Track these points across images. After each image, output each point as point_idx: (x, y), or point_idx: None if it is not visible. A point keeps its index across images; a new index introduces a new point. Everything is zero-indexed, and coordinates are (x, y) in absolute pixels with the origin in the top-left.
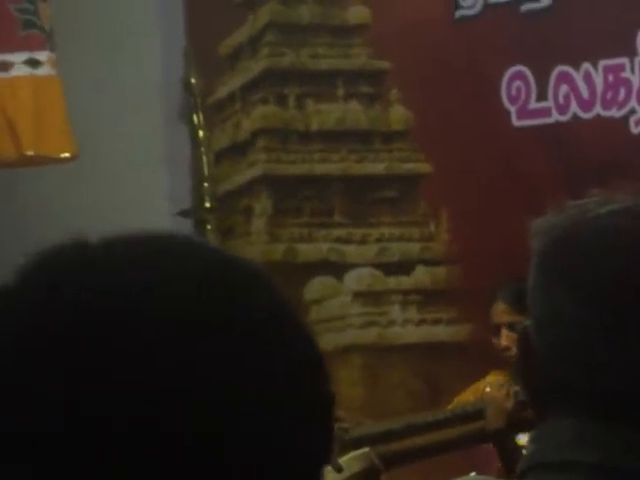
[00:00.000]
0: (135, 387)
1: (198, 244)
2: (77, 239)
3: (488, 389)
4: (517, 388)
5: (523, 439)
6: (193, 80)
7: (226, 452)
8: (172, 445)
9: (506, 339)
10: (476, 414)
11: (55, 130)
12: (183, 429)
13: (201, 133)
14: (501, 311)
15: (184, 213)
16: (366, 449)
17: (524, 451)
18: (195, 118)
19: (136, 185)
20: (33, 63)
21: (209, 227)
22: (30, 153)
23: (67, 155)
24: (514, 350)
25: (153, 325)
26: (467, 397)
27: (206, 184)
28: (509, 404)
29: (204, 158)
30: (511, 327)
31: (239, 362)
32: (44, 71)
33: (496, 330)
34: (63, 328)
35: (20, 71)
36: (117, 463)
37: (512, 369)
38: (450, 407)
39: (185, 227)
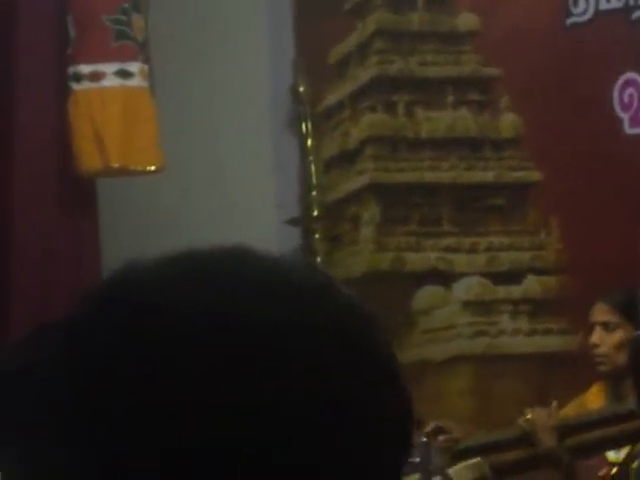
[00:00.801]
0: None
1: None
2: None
3: (529, 415)
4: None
5: (612, 455)
6: (302, 88)
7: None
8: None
9: (596, 337)
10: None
11: (142, 142)
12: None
13: (310, 141)
14: (599, 310)
15: (292, 221)
16: (478, 459)
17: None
18: (304, 126)
19: (245, 193)
20: (124, 74)
21: (317, 235)
22: (116, 165)
23: (152, 168)
24: (602, 349)
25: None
26: (570, 411)
27: (314, 192)
28: (552, 421)
29: (312, 166)
30: (605, 326)
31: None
32: (135, 82)
33: (592, 329)
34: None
35: (111, 82)
36: None
37: (602, 378)
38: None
39: (293, 235)
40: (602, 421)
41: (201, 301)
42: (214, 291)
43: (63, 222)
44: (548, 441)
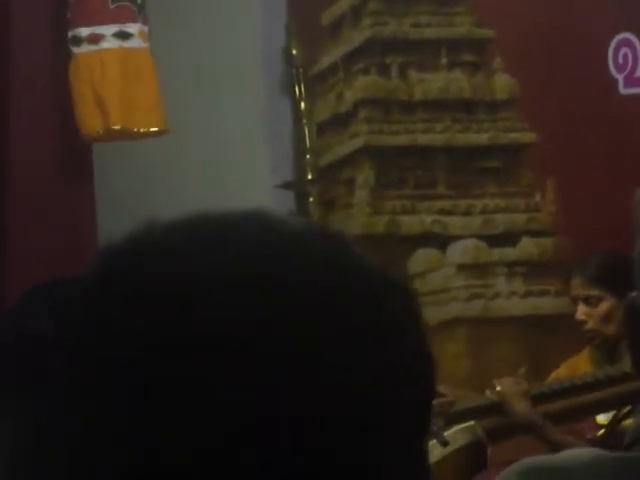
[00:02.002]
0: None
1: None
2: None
3: (498, 387)
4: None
5: (601, 418)
6: (294, 51)
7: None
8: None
9: (581, 313)
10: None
11: (144, 104)
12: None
13: (303, 105)
14: (577, 285)
15: (286, 185)
16: (472, 422)
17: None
18: (297, 90)
19: (237, 158)
20: (123, 36)
21: (311, 199)
22: (117, 127)
23: (155, 129)
24: (589, 324)
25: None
26: (563, 373)
27: (308, 156)
28: (522, 387)
29: (306, 130)
30: (587, 301)
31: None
32: (134, 44)
33: (573, 302)
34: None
35: (109, 43)
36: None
37: (591, 345)
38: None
39: (287, 199)
40: (596, 384)
41: (221, 264)
42: (232, 253)
43: (60, 188)
44: (519, 408)
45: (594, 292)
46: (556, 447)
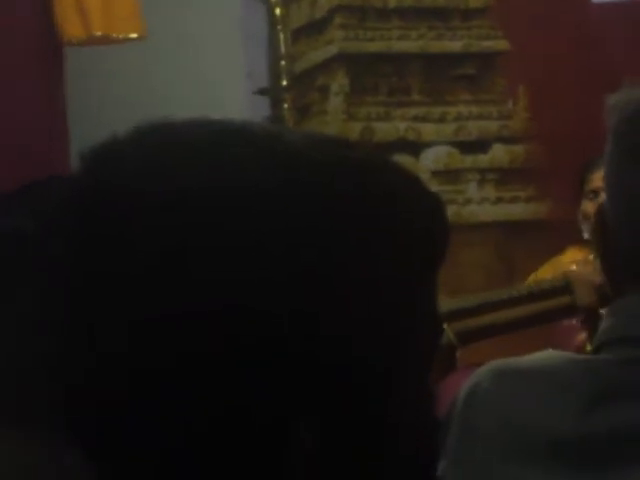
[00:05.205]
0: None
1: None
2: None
3: (574, 266)
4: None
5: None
6: None
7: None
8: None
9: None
10: (559, 290)
11: (123, 10)
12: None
13: (278, 11)
14: (599, 177)
15: (261, 91)
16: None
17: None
18: None
19: (213, 64)
20: None
21: (286, 106)
22: (98, 34)
23: (135, 35)
24: None
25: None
26: (546, 273)
27: (283, 62)
28: (597, 279)
29: (281, 36)
30: None
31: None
32: None
33: (593, 195)
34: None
35: None
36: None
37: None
38: (527, 284)
39: (262, 105)
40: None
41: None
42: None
43: (37, 89)
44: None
45: None
46: None
